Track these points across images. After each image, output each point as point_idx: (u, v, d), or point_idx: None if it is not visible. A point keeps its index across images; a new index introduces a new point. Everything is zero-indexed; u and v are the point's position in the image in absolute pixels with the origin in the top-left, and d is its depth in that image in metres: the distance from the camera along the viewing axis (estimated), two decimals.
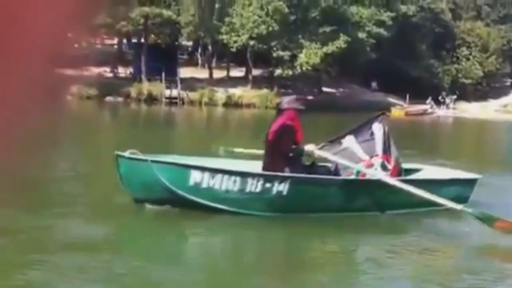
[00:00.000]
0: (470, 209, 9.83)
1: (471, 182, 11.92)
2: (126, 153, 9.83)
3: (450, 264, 8.93)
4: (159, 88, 44.65)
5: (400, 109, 49.13)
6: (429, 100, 52.84)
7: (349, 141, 11.37)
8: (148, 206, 9.88)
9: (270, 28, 44.74)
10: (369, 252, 9.12)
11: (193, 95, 44.96)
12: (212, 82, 46.90)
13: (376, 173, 10.80)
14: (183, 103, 44.54)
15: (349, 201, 10.57)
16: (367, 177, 10.79)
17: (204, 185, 9.81)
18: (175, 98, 44.62)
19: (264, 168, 10.30)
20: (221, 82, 47.14)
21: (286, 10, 45.26)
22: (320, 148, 10.99)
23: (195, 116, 40.48)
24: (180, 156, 10.93)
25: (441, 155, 20.83)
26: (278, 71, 48.04)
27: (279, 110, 10.65)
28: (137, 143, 19.91)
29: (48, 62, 0.71)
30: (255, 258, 8.68)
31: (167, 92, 44.78)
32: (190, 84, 45.61)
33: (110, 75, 46.57)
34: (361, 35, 47.39)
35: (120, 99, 43.33)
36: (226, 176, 9.87)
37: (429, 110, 52.30)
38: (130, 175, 9.75)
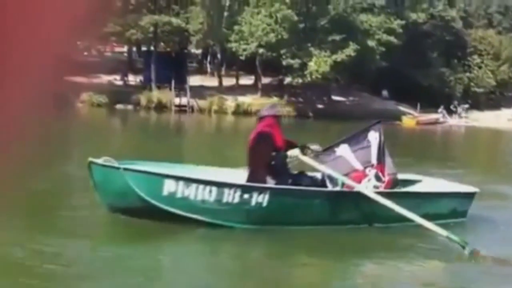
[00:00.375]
0: (455, 236, 9.40)
1: (469, 196, 11.50)
2: (100, 160, 9.55)
3: (442, 279, 8.69)
4: (169, 96, 44.63)
5: (411, 118, 48.79)
6: (440, 109, 52.46)
7: (343, 150, 11.02)
8: (122, 216, 9.56)
9: (279, 36, 44.61)
10: (355, 269, 8.82)
11: (203, 103, 44.88)
12: (222, 90, 46.79)
13: (359, 185, 10.47)
14: (192, 111, 44.45)
15: (334, 213, 10.24)
16: (355, 189, 10.45)
17: (179, 194, 9.48)
18: (185, 106, 44.59)
19: (247, 178, 10.06)
20: (230, 90, 47.02)
21: (295, 18, 45.14)
22: (312, 156, 10.67)
23: (205, 124, 40.37)
24: (159, 163, 10.59)
25: (451, 165, 20.53)
26: (287, 79, 47.84)
27: (259, 119, 10.44)
28: (144, 151, 19.90)
29: (57, 69, 0.70)
30: (233, 276, 8.35)
31: (177, 100, 44.76)
32: (199, 92, 45.51)
33: (120, 83, 46.69)
34: (371, 43, 47.15)
35: (130, 107, 43.36)
36: (201, 186, 9.55)
37: (441, 119, 51.90)
38: (103, 183, 9.45)
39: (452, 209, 11.14)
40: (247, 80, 50.06)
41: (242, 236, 9.42)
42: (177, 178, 9.55)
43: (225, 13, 46.43)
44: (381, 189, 10.55)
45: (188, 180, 9.57)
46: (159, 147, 21.00)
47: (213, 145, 26.06)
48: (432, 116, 51.08)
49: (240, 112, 44.28)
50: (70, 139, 22.84)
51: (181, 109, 44.18)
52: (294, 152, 10.30)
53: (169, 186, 9.47)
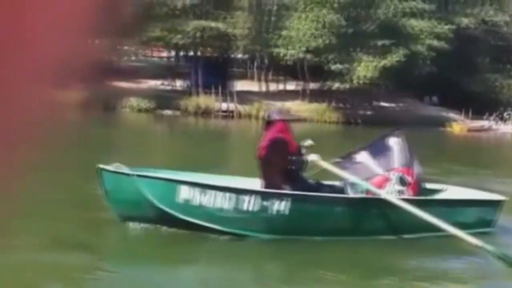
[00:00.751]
0: (490, 246, 8.77)
1: (496, 205, 10.84)
2: (110, 167, 9.20)
3: None
4: (214, 101, 44.54)
5: (461, 124, 47.78)
6: (493, 116, 51.27)
7: (362, 156, 10.59)
8: (134, 225, 9.22)
9: (326, 41, 44.10)
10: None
11: (248, 109, 44.65)
12: (267, 95, 46.51)
13: (382, 192, 9.94)
14: (238, 116, 44.25)
15: (358, 223, 9.76)
16: (381, 196, 9.90)
17: (195, 202, 9.11)
18: (230, 111, 44.41)
19: (264, 187, 9.60)
20: (276, 96, 46.71)
21: (343, 23, 44.57)
22: (331, 163, 10.21)
23: (249, 130, 40.06)
24: (173, 171, 10.19)
25: (499, 173, 19.84)
26: (334, 85, 47.30)
27: (268, 123, 9.96)
28: (186, 157, 19.67)
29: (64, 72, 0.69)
30: None
31: (222, 106, 44.59)
32: (244, 97, 45.33)
33: (166, 88, 46.71)
34: (420, 48, 46.31)
35: (175, 112, 43.35)
36: (218, 193, 9.13)
37: (493, 127, 50.68)
38: (114, 190, 9.14)
39: (477, 218, 10.55)
40: (292, 86, 49.67)
41: (260, 247, 8.99)
42: (192, 185, 9.19)
43: (272, 18, 46.10)
44: (405, 196, 10.04)
45: (204, 187, 9.19)
46: (201, 154, 20.77)
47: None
48: (483, 123, 49.95)
49: None
50: (112, 144, 22.73)
51: (226, 114, 44.05)
52: (312, 157, 9.84)
53: (183, 193, 9.10)
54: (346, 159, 10.70)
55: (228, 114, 44.10)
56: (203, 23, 44.73)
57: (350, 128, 40.93)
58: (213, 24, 44.97)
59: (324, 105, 45.76)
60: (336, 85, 47.00)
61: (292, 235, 9.30)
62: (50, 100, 0.66)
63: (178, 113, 43.32)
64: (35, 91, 0.64)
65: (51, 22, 0.63)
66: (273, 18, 46.20)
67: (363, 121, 44.44)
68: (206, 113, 43.74)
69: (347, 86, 46.25)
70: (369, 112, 47.35)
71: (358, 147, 10.97)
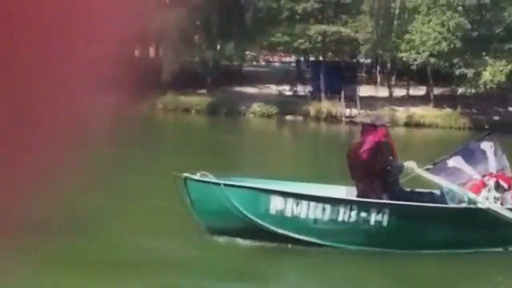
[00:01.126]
0: None
1: None
2: (197, 176, 8.97)
3: None
4: (338, 107, 44.19)
5: None
6: None
7: (456, 162, 10.10)
8: (222, 238, 8.97)
9: (452, 45, 42.89)
10: None
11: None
12: (392, 101, 45.70)
13: (482, 200, 9.37)
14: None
15: (462, 235, 9.21)
16: (479, 204, 9.35)
17: (288, 213, 8.76)
18: (355, 117, 43.95)
19: (359, 195, 9.22)
20: (401, 101, 45.80)
21: (469, 26, 43.24)
22: (424, 170, 9.78)
23: None
24: (260, 179, 9.77)
25: None
26: (460, 90, 45.93)
27: (372, 127, 9.59)
28: (310, 163, 19.59)
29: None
30: None
31: (347, 111, 44.16)
32: (369, 102, 44.65)
33: (289, 93, 46.81)
34: None
35: (299, 117, 43.34)
36: (313, 203, 8.75)
37: None
38: (201, 201, 8.84)
39: None
40: (418, 91, 48.55)
41: (358, 261, 8.64)
42: (286, 195, 8.86)
43: (395, 22, 45.33)
44: (508, 205, 9.48)
45: (298, 197, 8.86)
46: (324, 161, 20.59)
47: None
48: None
49: (412, 123, 42.98)
50: (235, 150, 22.94)
51: (351, 120, 43.61)
52: (410, 164, 9.46)
53: (276, 204, 8.77)
54: (439, 165, 10.31)
55: (353, 120, 43.66)
56: (324, 27, 44.60)
57: (477, 134, 39.49)
58: (335, 28, 44.75)
59: (452, 111, 44.45)
60: (463, 90, 45.65)
61: (392, 248, 8.91)
62: (119, 104, 0.66)
63: (302, 118, 43.29)
64: (93, 95, 0.64)
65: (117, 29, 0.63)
66: (396, 22, 45.45)
67: (492, 126, 42.81)
68: (330, 118, 43.47)
69: (476, 90, 44.81)
70: (499, 118, 45.58)
71: (449, 154, 10.56)
